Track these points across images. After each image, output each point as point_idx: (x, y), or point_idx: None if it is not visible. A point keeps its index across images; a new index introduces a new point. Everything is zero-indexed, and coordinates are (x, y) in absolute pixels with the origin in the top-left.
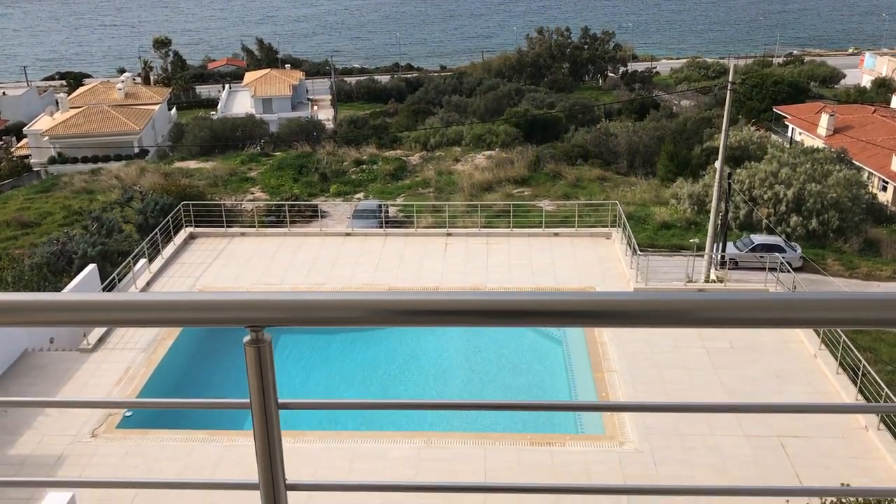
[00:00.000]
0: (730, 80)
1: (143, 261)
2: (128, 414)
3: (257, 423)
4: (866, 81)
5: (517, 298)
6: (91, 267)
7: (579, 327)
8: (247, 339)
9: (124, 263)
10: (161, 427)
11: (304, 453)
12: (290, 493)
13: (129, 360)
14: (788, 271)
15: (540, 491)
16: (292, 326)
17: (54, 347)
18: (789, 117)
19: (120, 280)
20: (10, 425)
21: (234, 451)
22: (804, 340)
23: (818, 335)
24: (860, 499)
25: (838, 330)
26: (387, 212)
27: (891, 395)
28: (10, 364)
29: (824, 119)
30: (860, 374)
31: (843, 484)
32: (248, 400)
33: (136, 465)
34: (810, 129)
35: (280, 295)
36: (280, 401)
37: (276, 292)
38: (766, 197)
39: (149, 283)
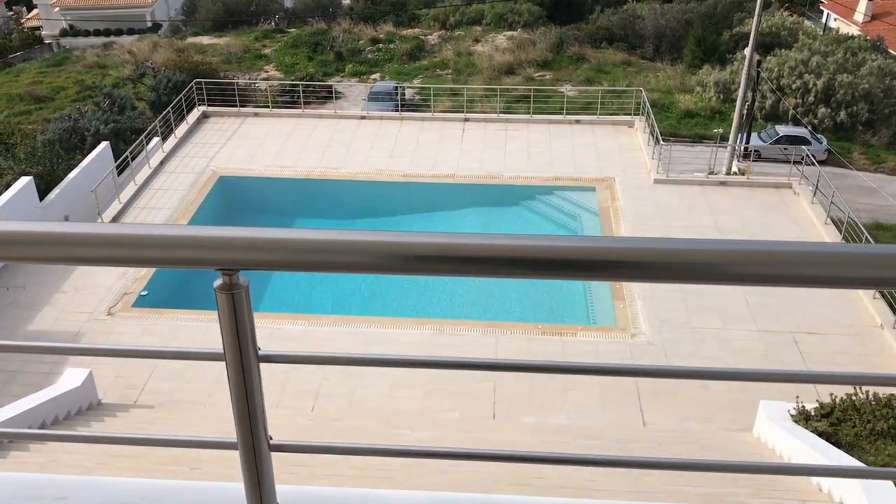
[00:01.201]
0: None
1: (156, 139)
2: (143, 293)
3: (233, 378)
4: None
5: (547, 245)
6: (104, 145)
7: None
8: (218, 283)
9: (137, 142)
10: (177, 307)
11: (318, 336)
12: (273, 454)
13: None
14: (813, 164)
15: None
16: (272, 270)
17: None
18: (825, 2)
19: (133, 159)
20: (27, 301)
21: None
22: (825, 237)
23: (840, 232)
24: (871, 392)
25: (863, 229)
26: (403, 94)
27: None
28: None
29: (862, 4)
30: None
31: None
32: (222, 351)
33: (153, 344)
34: (846, 15)
35: (259, 231)
36: (260, 353)
37: (253, 228)
38: (794, 86)
39: (162, 163)
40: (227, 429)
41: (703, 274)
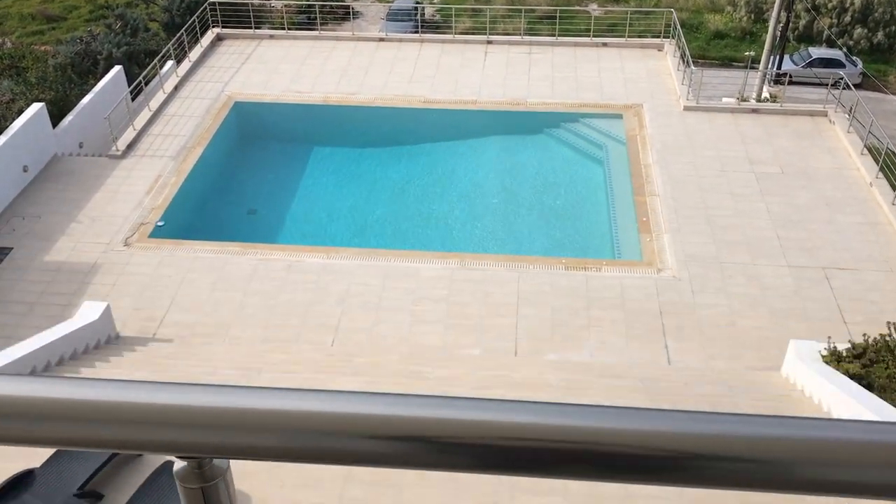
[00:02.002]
0: None
1: (170, 63)
2: (160, 223)
3: None
4: None
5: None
6: (117, 69)
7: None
8: (179, 468)
9: (151, 65)
10: (194, 238)
11: (338, 270)
12: None
13: (159, 167)
14: (848, 88)
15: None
16: (261, 460)
17: (84, 152)
18: None
19: (147, 83)
20: (43, 231)
21: (268, 265)
22: (860, 168)
23: (877, 163)
24: None
25: None
26: (423, 13)
27: None
28: (40, 168)
29: None
30: None
31: (888, 323)
32: None
33: (170, 275)
34: None
35: (240, 396)
36: None
37: (232, 391)
38: (830, 5)
39: (176, 88)
40: (247, 364)
41: None
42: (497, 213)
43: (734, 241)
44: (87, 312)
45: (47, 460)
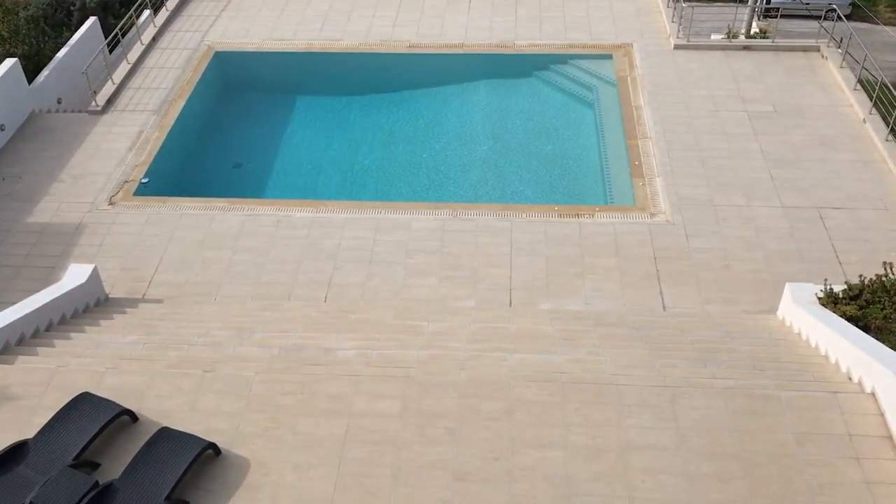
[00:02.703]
0: None
1: (146, 12)
2: (144, 180)
3: None
4: None
5: None
6: (92, 20)
7: None
8: None
9: (127, 16)
10: (180, 195)
11: (328, 223)
12: None
13: (140, 122)
14: (840, 19)
15: None
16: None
17: (62, 109)
18: None
19: (123, 35)
20: (25, 193)
21: (256, 221)
22: (854, 104)
23: (870, 98)
24: None
25: (893, 92)
26: None
27: None
28: (17, 127)
29: None
30: None
31: (885, 263)
32: None
33: (157, 234)
34: None
35: None
36: None
37: None
38: None
39: (154, 39)
40: (239, 323)
41: None
42: (487, 160)
43: (728, 182)
44: (75, 275)
45: (40, 430)
